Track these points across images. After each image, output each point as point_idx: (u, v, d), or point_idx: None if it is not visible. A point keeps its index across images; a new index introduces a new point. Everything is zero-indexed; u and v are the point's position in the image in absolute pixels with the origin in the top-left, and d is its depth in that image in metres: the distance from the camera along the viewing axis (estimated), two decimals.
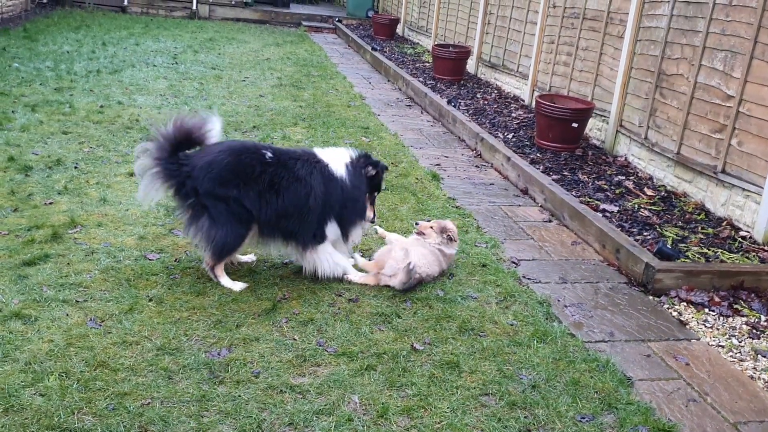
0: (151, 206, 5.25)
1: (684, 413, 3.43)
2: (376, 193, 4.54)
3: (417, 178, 6.49)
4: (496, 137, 7.77)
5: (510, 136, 7.97)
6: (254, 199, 4.08)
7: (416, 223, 4.75)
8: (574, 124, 7.33)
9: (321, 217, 4.23)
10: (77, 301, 3.88)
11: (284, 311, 4.00)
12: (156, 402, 3.12)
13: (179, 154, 4.13)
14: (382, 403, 3.24)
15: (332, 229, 4.31)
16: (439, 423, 3.16)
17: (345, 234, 4.38)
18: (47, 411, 2.99)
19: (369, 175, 4.40)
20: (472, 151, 7.77)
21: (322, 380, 3.39)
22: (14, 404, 3.01)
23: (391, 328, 3.91)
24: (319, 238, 4.27)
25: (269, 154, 4.16)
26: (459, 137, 8.26)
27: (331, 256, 4.34)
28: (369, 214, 4.46)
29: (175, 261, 4.48)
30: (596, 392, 3.49)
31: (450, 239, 4.61)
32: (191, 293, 4.10)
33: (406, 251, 4.38)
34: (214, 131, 4.29)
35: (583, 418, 3.29)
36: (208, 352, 3.53)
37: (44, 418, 2.95)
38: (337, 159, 4.35)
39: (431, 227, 4.64)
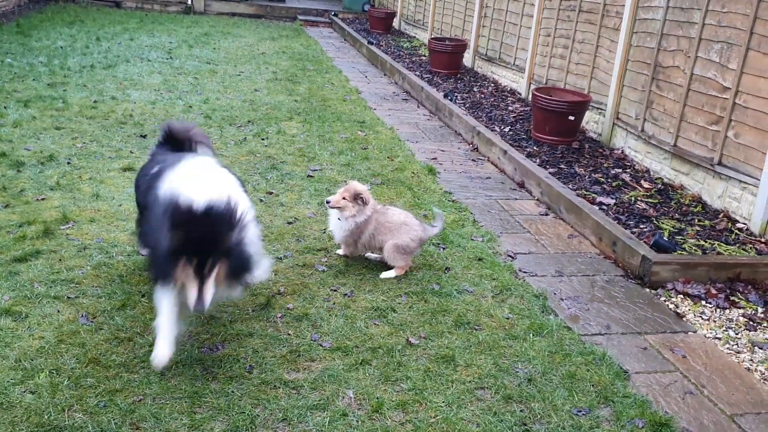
0: None
1: (681, 406, 3.41)
2: (210, 259, 2.93)
3: (413, 173, 6.46)
4: (492, 131, 7.73)
5: (507, 129, 7.93)
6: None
7: (327, 201, 4.29)
8: (571, 117, 7.30)
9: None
10: (69, 298, 3.84)
11: (278, 306, 3.96)
12: (148, 399, 3.09)
13: (161, 149, 3.97)
14: (377, 398, 3.22)
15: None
16: (434, 417, 3.14)
17: None
18: (37, 408, 2.96)
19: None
20: (469, 144, 7.74)
21: (316, 375, 3.36)
22: (3, 402, 2.98)
23: (386, 322, 3.89)
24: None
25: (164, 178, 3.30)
26: (455, 131, 8.22)
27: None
28: (191, 292, 2.99)
29: None
30: (592, 385, 3.46)
31: (363, 201, 4.28)
32: None
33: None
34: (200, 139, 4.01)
35: (580, 411, 3.26)
36: (201, 348, 3.50)
37: (34, 416, 2.92)
38: (198, 187, 3.01)
39: (344, 198, 4.27)
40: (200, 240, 2.88)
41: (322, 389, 3.26)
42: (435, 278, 4.44)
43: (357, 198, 4.28)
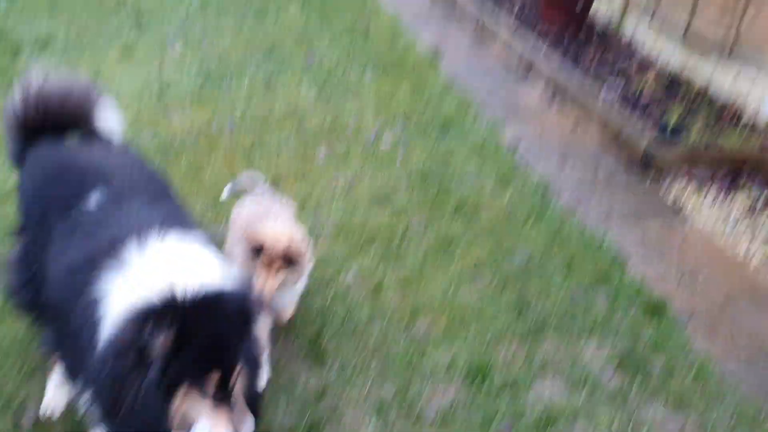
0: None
1: (676, 291, 3.49)
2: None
3: (414, 60, 6.27)
4: (499, 16, 7.43)
5: (514, 13, 7.62)
6: None
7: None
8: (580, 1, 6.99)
9: None
10: None
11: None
12: None
13: None
14: (378, 278, 3.29)
15: None
16: (433, 296, 3.22)
17: None
18: None
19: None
20: (474, 30, 7.47)
21: (319, 257, 3.41)
22: None
23: (387, 208, 3.91)
24: None
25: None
26: (460, 16, 7.91)
27: None
28: None
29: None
30: (591, 269, 3.53)
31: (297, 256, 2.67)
32: None
33: None
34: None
35: (577, 291, 3.34)
36: None
37: None
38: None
39: (278, 271, 2.63)
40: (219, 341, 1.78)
41: (324, 269, 3.33)
42: (436, 165, 4.41)
43: (289, 259, 2.63)
